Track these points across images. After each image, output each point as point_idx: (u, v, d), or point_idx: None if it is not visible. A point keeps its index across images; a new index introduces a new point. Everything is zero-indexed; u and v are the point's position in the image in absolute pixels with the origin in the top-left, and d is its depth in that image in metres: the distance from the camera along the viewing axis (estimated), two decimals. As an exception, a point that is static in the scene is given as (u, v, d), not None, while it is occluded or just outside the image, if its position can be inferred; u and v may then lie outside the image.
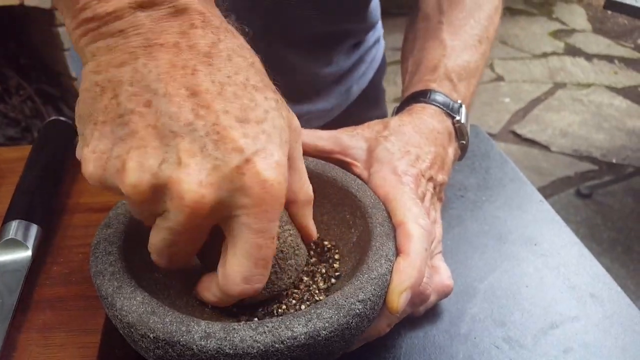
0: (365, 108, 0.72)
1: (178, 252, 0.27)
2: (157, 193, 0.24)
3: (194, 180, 0.23)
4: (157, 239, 0.26)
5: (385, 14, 0.72)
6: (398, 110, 0.45)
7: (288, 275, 0.31)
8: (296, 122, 0.29)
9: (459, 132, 0.43)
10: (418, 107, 0.43)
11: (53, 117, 0.49)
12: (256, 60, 0.27)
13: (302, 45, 0.59)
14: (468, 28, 0.49)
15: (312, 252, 0.36)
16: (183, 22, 0.24)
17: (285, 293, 0.33)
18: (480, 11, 0.50)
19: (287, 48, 0.57)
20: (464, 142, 0.44)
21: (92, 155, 0.24)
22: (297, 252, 0.32)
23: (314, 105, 0.66)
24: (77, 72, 1.86)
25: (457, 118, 0.42)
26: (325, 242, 0.36)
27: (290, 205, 0.31)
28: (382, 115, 0.75)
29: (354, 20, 0.62)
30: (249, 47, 0.27)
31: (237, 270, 0.25)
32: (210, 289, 0.29)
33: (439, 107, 0.42)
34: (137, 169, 0.23)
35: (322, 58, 0.62)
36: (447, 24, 0.49)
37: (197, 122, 0.23)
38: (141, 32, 0.24)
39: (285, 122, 0.26)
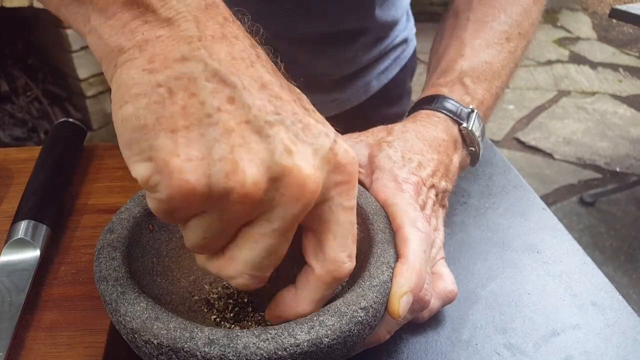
0: (384, 104, 0.71)
1: (277, 260, 0.25)
2: (272, 187, 0.22)
3: (309, 165, 0.22)
4: (255, 252, 0.24)
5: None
6: (408, 115, 0.44)
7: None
8: None
9: (467, 139, 0.42)
10: (424, 113, 0.42)
11: (63, 119, 0.50)
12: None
13: (309, 44, 0.58)
14: (495, 24, 0.46)
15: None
16: (217, 14, 0.23)
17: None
18: (514, 5, 0.47)
19: (293, 47, 0.57)
20: (473, 149, 0.42)
21: (189, 164, 0.21)
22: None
23: (328, 95, 0.65)
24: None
25: (464, 125, 0.41)
26: None
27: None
28: (402, 113, 0.73)
29: (363, 21, 0.61)
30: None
31: (342, 249, 0.26)
32: (296, 298, 0.27)
33: (445, 114, 0.42)
34: (251, 166, 0.21)
35: (334, 55, 0.61)
36: (474, 21, 0.47)
37: (282, 113, 0.23)
38: (189, 20, 0.22)
39: None
